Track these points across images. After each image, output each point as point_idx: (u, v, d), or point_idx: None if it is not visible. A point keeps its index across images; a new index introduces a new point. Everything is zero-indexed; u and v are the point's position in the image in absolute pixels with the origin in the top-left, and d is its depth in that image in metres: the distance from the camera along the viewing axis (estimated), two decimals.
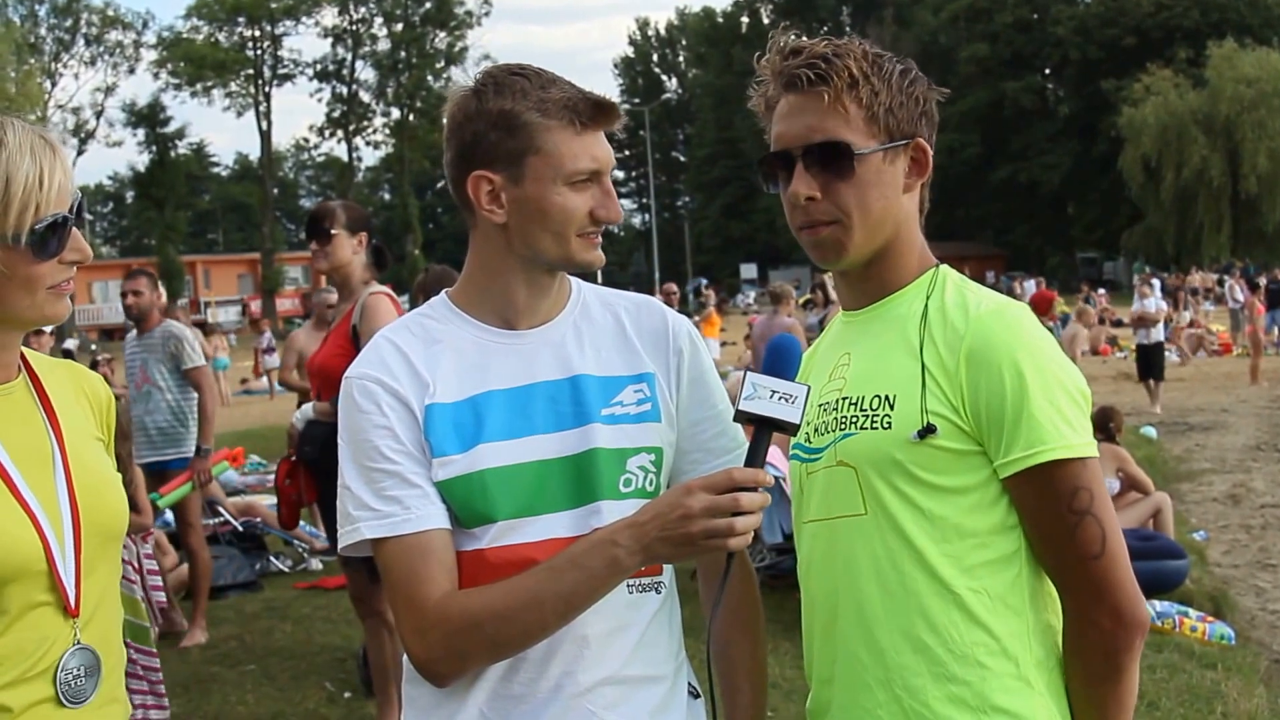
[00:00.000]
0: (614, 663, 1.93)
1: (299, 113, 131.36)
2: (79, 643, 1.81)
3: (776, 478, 6.85)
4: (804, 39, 1.97)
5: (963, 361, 1.82)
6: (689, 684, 2.08)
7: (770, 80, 1.96)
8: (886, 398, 1.87)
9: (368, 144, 67.67)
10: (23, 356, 1.90)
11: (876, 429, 1.86)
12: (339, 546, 1.96)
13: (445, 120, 1.99)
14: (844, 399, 1.93)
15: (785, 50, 1.94)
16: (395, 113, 64.87)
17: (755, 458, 1.81)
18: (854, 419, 1.90)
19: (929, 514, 1.83)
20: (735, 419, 1.88)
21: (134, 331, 7.36)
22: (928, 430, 1.81)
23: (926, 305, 1.91)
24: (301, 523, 9.38)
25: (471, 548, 1.90)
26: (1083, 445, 1.79)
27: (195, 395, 7.18)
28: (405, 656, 1.94)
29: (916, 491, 1.83)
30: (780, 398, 1.81)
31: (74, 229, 1.82)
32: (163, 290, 7.71)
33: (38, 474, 1.82)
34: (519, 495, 1.90)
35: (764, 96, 1.98)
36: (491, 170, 1.91)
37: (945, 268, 1.99)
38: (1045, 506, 1.80)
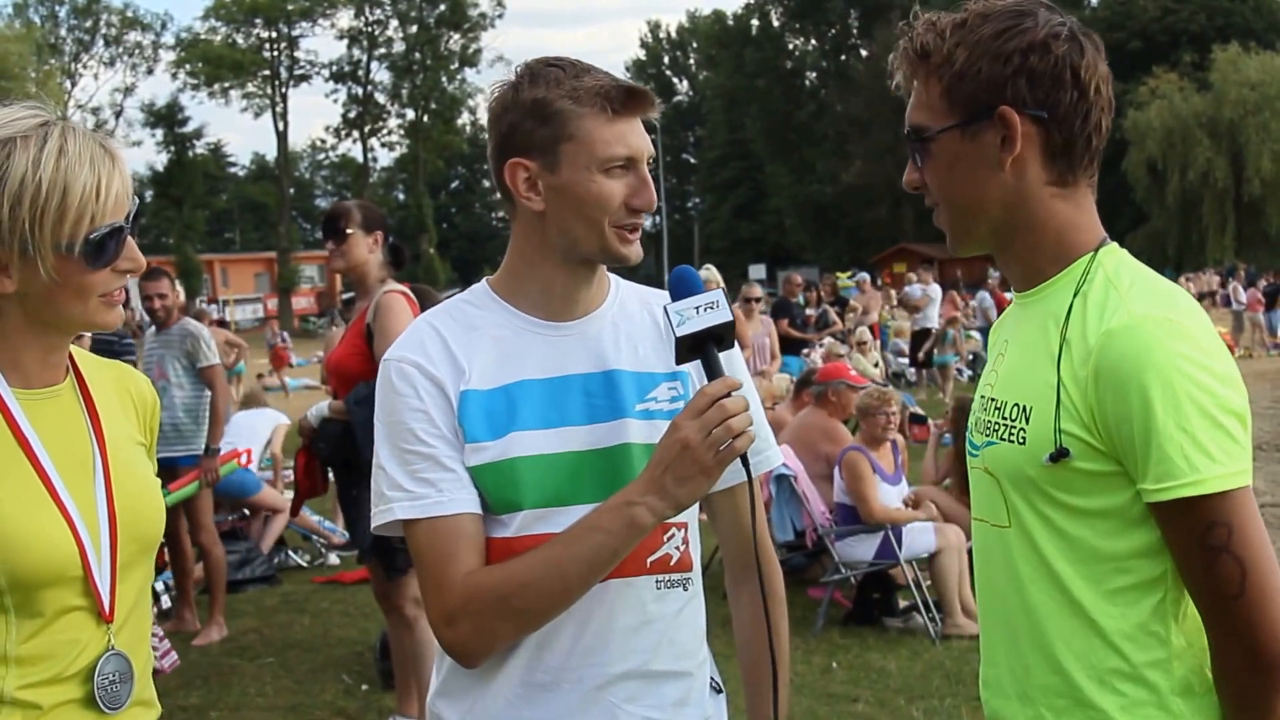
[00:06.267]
0: (639, 657, 1.95)
1: (315, 113, 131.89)
2: (113, 648, 1.80)
3: (788, 477, 7.28)
4: (930, 15, 1.81)
5: (1090, 380, 1.66)
6: (711, 679, 2.10)
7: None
8: (1024, 409, 1.75)
9: (383, 144, 67.51)
10: (71, 357, 1.89)
11: (1013, 442, 1.76)
12: (372, 525, 1.97)
13: (488, 117, 2.01)
14: (992, 400, 1.84)
15: (904, 30, 1.82)
16: (410, 114, 64.85)
17: (714, 373, 1.84)
18: (997, 426, 1.80)
19: (1066, 535, 1.73)
20: (678, 355, 1.87)
21: (153, 328, 7.37)
22: (1060, 454, 1.69)
23: (1072, 304, 1.73)
24: (319, 518, 9.60)
25: (500, 535, 1.91)
26: (1218, 478, 1.61)
27: (208, 393, 7.16)
28: (437, 643, 1.96)
29: (1054, 511, 1.73)
30: (705, 308, 1.84)
31: (129, 238, 1.80)
32: (180, 289, 7.82)
33: (78, 479, 1.80)
34: (549, 485, 1.92)
35: (897, 77, 1.85)
36: (527, 158, 1.92)
37: (1105, 252, 1.78)
38: (1179, 540, 1.66)
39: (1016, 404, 1.77)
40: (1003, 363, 1.87)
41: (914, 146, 1.81)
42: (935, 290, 20.04)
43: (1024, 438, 1.74)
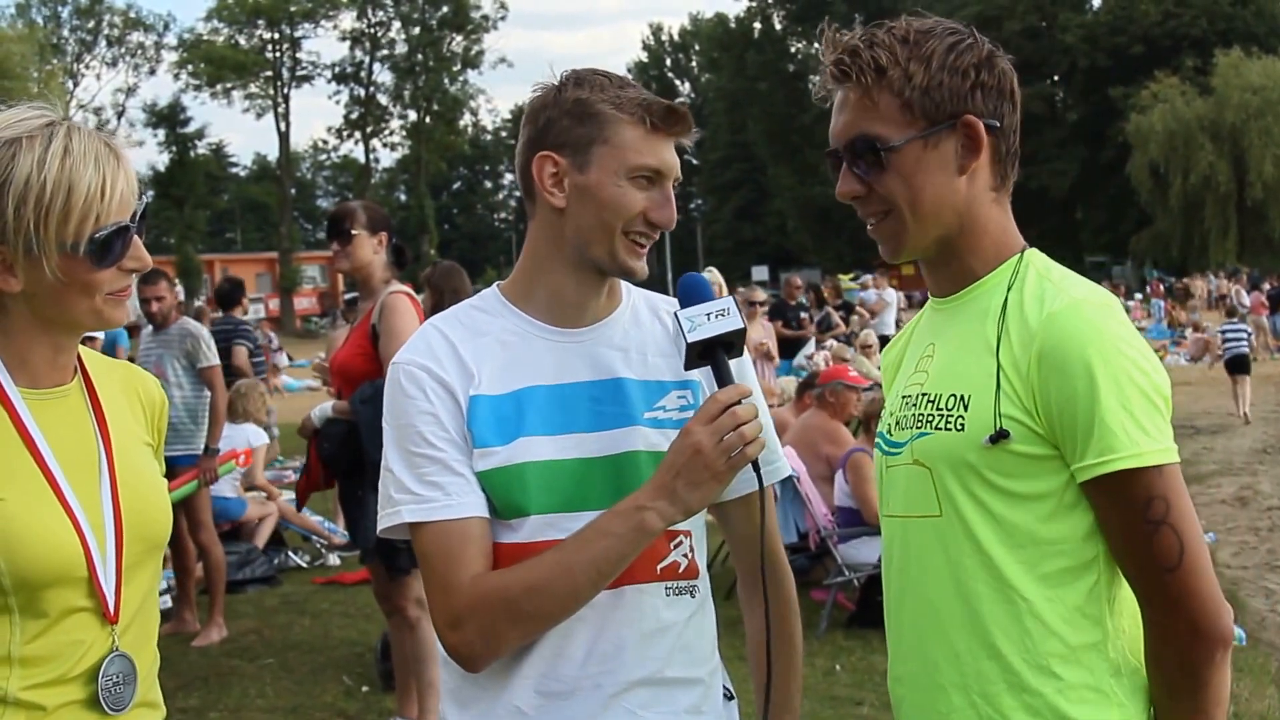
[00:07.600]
0: (652, 664, 1.95)
1: (317, 114, 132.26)
2: (117, 649, 1.79)
3: (792, 478, 7.18)
4: (845, 31, 1.89)
5: (1034, 362, 1.73)
6: (724, 686, 2.10)
7: (823, 74, 1.90)
8: (962, 398, 1.80)
9: (384, 145, 67.63)
10: (79, 358, 1.89)
11: (950, 430, 1.80)
12: (378, 528, 1.96)
13: (524, 113, 2.03)
14: (923, 395, 1.88)
15: (828, 44, 1.88)
16: (412, 115, 64.96)
17: (724, 380, 1.85)
18: (930, 418, 1.84)
19: (1002, 520, 1.77)
20: (687, 361, 1.89)
21: (150, 328, 7.36)
22: (1000, 435, 1.74)
23: (1007, 298, 1.81)
24: (319, 518, 9.64)
25: (511, 540, 1.91)
26: (1157, 452, 1.69)
27: (208, 393, 7.16)
28: (441, 647, 1.94)
29: (990, 496, 1.77)
30: (717, 315, 1.86)
31: (135, 237, 1.79)
32: (180, 289, 7.74)
33: (84, 480, 1.80)
34: (557, 491, 1.92)
35: (822, 91, 1.92)
36: (559, 154, 1.93)
37: (1031, 253, 1.88)
38: (1119, 515, 1.72)
39: (954, 394, 1.82)
40: (931, 362, 1.91)
41: (862, 157, 1.85)
42: (890, 295, 19.44)
43: (963, 424, 1.79)
